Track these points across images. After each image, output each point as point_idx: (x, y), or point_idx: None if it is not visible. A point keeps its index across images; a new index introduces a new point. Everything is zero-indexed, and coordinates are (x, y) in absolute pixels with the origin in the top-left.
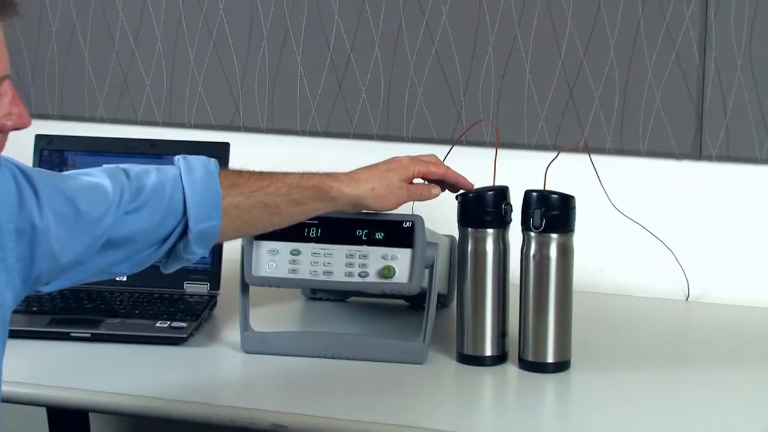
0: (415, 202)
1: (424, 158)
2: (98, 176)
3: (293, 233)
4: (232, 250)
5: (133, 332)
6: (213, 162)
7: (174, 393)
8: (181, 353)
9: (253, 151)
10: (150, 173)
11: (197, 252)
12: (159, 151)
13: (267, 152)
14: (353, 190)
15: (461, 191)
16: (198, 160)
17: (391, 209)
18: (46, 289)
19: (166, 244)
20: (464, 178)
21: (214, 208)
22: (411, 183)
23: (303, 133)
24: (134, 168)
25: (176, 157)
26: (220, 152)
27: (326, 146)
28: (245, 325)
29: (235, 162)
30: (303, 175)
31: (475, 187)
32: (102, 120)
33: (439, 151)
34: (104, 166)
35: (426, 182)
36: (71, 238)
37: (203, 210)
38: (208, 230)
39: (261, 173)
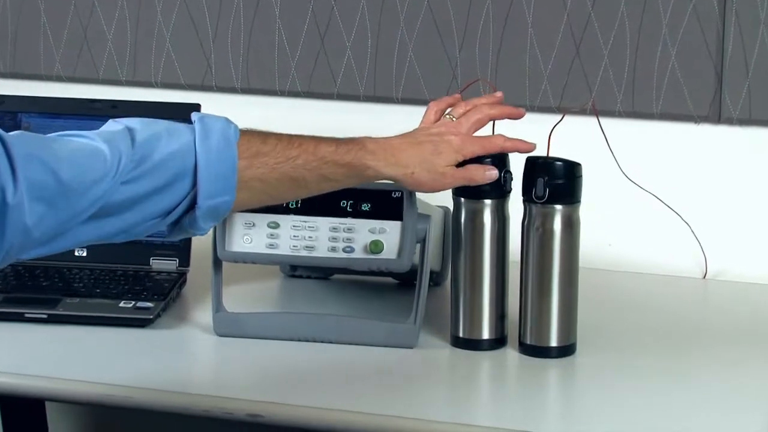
0: None
1: (483, 141)
2: (95, 139)
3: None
4: None
5: (94, 313)
6: (233, 127)
7: (139, 380)
8: (147, 336)
9: (226, 114)
10: (160, 138)
11: (205, 227)
12: (122, 113)
13: (242, 115)
14: (391, 171)
15: None
16: (217, 123)
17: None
18: (24, 257)
19: (169, 217)
20: (523, 141)
21: (228, 182)
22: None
23: (281, 93)
24: (143, 130)
25: (194, 116)
26: (189, 115)
27: (307, 108)
28: (218, 306)
29: None
30: (338, 146)
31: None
32: (59, 78)
33: None
34: (110, 122)
35: None
36: (48, 212)
37: (216, 184)
38: (219, 206)
39: (290, 138)
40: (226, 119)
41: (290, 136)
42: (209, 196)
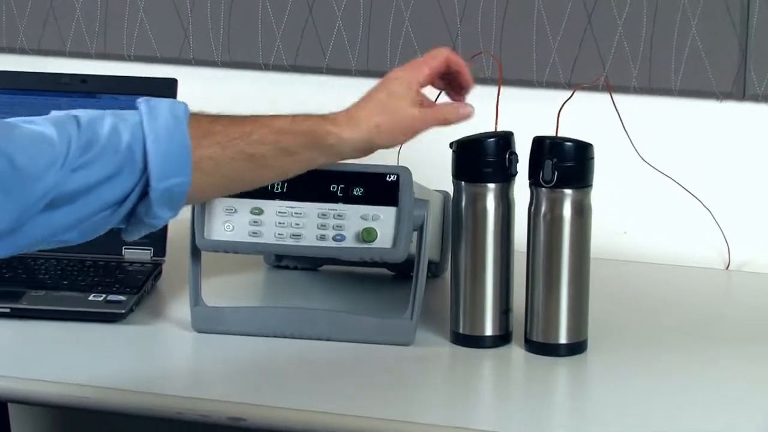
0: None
1: (425, 58)
2: (42, 125)
3: (256, 188)
4: None
5: (61, 307)
6: (183, 106)
7: (110, 380)
8: (119, 332)
9: (205, 89)
10: (105, 119)
11: (162, 215)
12: (92, 89)
13: (222, 90)
14: (354, 133)
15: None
16: (164, 104)
17: (409, 140)
18: None
19: (123, 206)
20: (465, 65)
21: (181, 162)
22: (424, 103)
23: (266, 67)
24: (87, 114)
25: (138, 100)
26: (165, 90)
27: (294, 83)
28: (196, 299)
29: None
30: (294, 117)
31: (472, 133)
32: (23, 51)
33: (431, 89)
34: (52, 113)
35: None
36: (5, 200)
37: (168, 164)
38: (173, 188)
39: (243, 117)
40: (174, 100)
41: (243, 116)
42: (162, 177)
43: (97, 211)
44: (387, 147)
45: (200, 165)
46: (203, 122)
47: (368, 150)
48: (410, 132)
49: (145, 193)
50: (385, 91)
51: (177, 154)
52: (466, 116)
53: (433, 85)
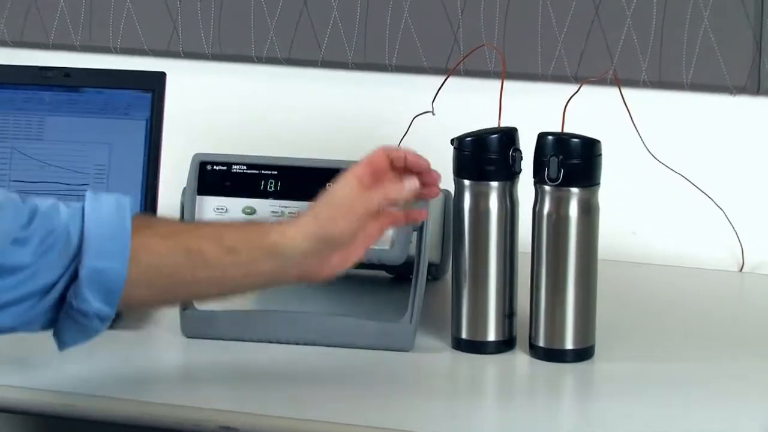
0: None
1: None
2: None
3: (246, 187)
4: (169, 206)
5: None
6: (128, 198)
7: (94, 387)
8: (107, 338)
9: (195, 83)
10: (46, 200)
11: (92, 302)
12: (76, 83)
13: (213, 84)
14: (296, 228)
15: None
16: (109, 195)
17: (356, 226)
18: None
19: (51, 294)
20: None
21: (118, 245)
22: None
23: (258, 60)
24: (32, 197)
25: (86, 192)
26: (153, 84)
27: (288, 77)
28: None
29: (174, 97)
30: (243, 222)
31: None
32: (4, 43)
33: (431, 82)
34: None
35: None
36: None
37: (104, 244)
38: (107, 272)
39: (190, 221)
40: (120, 194)
41: (191, 222)
42: (96, 255)
43: (22, 298)
44: (337, 235)
45: (136, 255)
46: (146, 218)
47: (319, 247)
48: (349, 214)
49: (75, 277)
50: (325, 194)
51: (115, 236)
52: (411, 190)
53: (389, 196)
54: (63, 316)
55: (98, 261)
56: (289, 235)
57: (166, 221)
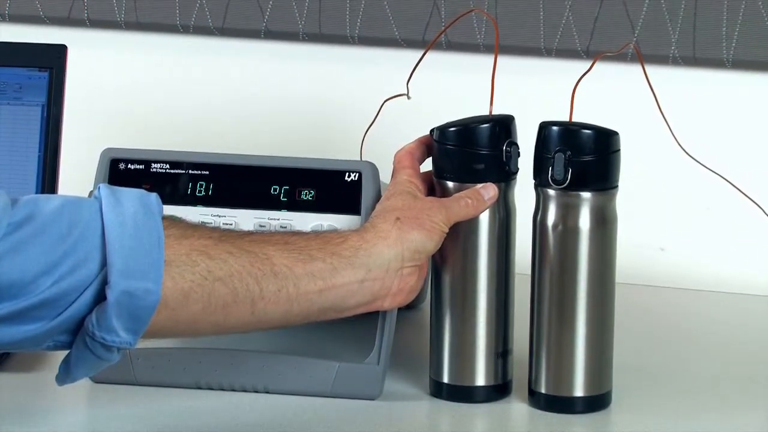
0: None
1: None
2: None
3: (170, 191)
4: None
5: None
6: (154, 196)
7: None
8: None
9: (104, 59)
10: (51, 199)
11: (120, 332)
12: None
13: (126, 61)
14: (377, 234)
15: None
16: (129, 191)
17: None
18: None
19: (65, 313)
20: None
21: (151, 263)
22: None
23: (184, 30)
24: (29, 196)
25: (99, 185)
26: (51, 60)
27: (222, 52)
28: None
29: (77, 77)
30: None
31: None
32: None
33: (405, 58)
34: None
35: None
36: None
37: (133, 260)
38: (139, 295)
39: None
40: (142, 190)
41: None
42: (125, 274)
43: (29, 320)
44: (429, 248)
45: (171, 270)
46: (178, 220)
47: (417, 256)
48: (438, 215)
49: (99, 298)
50: (389, 194)
51: (146, 251)
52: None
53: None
54: (76, 346)
55: (129, 280)
56: (368, 237)
57: (202, 227)
